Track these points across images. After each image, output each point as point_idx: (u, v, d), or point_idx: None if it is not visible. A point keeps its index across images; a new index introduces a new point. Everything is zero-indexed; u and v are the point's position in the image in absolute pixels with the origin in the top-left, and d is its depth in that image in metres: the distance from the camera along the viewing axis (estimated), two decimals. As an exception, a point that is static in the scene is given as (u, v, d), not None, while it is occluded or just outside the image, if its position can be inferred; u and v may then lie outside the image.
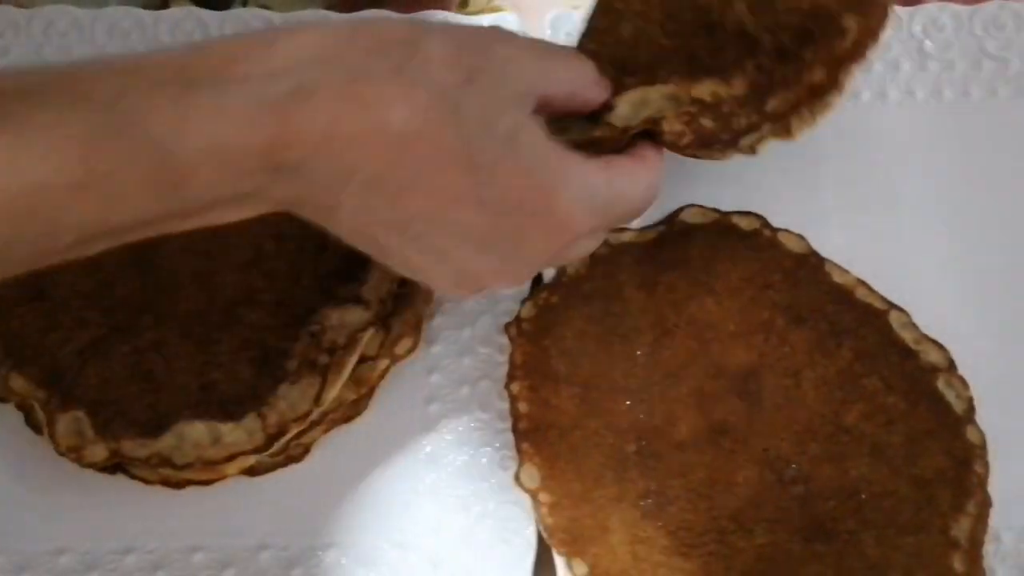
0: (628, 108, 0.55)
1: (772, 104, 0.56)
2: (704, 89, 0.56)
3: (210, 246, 0.60)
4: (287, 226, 0.58)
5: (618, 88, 0.55)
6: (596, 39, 0.58)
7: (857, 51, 0.56)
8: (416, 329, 0.62)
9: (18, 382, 0.57)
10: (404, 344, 0.61)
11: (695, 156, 0.58)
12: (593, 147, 0.53)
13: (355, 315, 0.58)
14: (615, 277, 0.64)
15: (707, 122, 0.55)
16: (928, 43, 0.72)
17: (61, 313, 0.58)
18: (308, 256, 0.59)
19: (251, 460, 0.57)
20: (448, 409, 0.62)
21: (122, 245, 0.57)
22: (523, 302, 0.63)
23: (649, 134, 0.56)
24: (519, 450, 0.59)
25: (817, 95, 0.56)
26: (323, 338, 0.57)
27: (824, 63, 0.55)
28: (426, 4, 0.77)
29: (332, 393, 0.58)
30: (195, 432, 0.56)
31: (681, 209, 0.67)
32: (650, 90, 0.55)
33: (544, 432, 0.59)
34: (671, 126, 0.55)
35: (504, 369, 0.62)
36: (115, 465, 0.58)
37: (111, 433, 0.56)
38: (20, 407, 0.60)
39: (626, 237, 0.66)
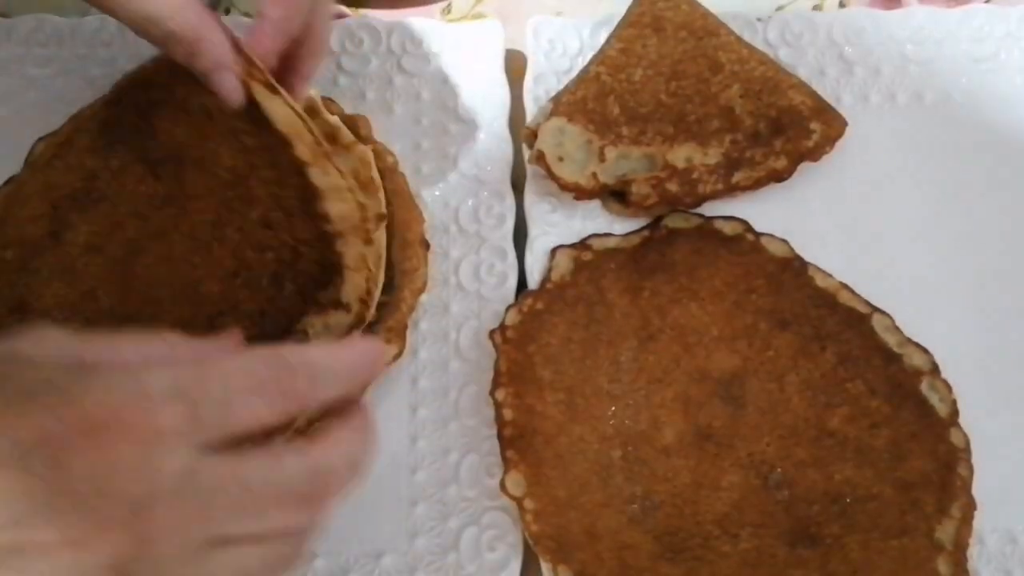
0: (612, 163, 0.66)
1: (737, 177, 0.66)
2: (680, 154, 0.66)
3: (193, 257, 0.59)
4: (264, 235, 0.58)
5: (614, 138, 0.66)
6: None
7: (816, 151, 0.68)
8: (401, 336, 0.62)
9: None
10: (390, 351, 0.61)
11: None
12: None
13: (338, 319, 0.58)
14: (599, 282, 0.64)
15: (673, 187, 0.65)
16: (911, 47, 0.73)
17: (43, 326, 0.58)
18: (286, 264, 0.59)
19: None
20: (434, 415, 0.62)
21: (105, 256, 0.57)
22: (508, 309, 0.63)
23: (619, 193, 0.66)
24: (504, 457, 0.59)
25: (773, 179, 0.67)
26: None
27: (788, 155, 0.67)
28: (411, 11, 0.77)
29: None
30: None
31: (664, 214, 0.67)
32: (633, 148, 0.66)
33: (529, 439, 0.59)
34: (639, 188, 0.65)
35: (490, 375, 0.62)
36: None
37: None
38: None
39: (610, 243, 0.66)
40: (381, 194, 0.62)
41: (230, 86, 0.56)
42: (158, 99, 0.61)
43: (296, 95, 0.59)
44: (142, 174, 0.61)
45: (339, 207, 0.58)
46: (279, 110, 0.57)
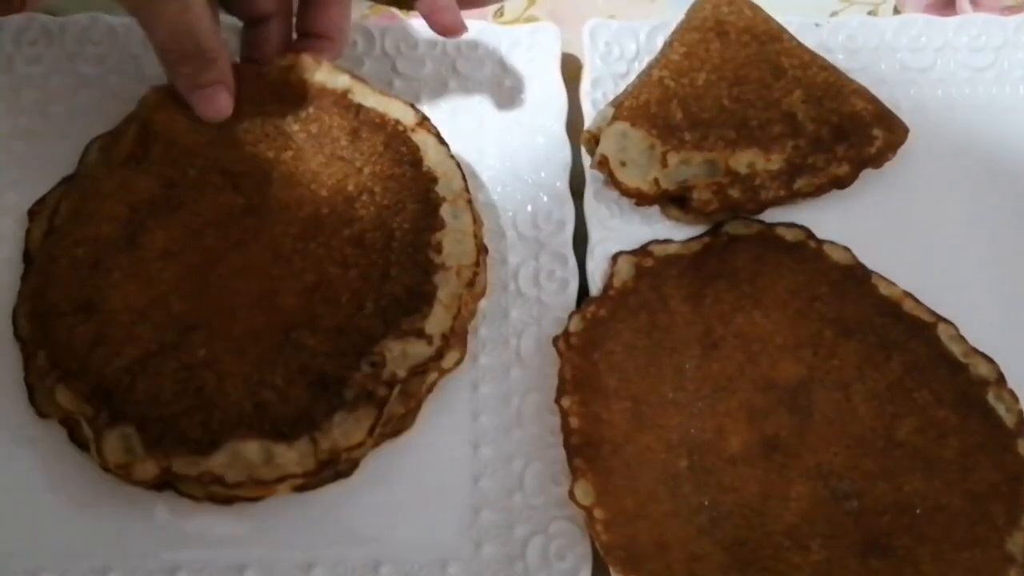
0: (674, 168, 0.65)
1: (799, 184, 0.65)
2: (742, 159, 0.65)
3: (272, 269, 0.58)
4: (351, 253, 0.58)
5: (677, 143, 0.64)
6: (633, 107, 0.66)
7: (878, 158, 0.67)
8: (462, 341, 0.62)
9: (65, 396, 0.56)
10: (452, 356, 0.61)
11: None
12: None
13: (417, 349, 0.57)
14: (661, 289, 0.64)
15: (735, 193, 0.65)
16: (968, 54, 0.72)
17: (111, 327, 0.57)
18: (371, 284, 0.58)
19: (300, 481, 0.56)
20: (496, 423, 0.62)
21: (180, 263, 0.56)
22: (571, 315, 0.62)
23: (679, 199, 0.65)
24: (572, 466, 0.58)
25: (835, 186, 0.66)
26: (383, 370, 0.56)
27: (850, 161, 0.66)
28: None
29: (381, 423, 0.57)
30: (248, 451, 0.55)
31: (725, 220, 0.66)
32: (695, 153, 0.64)
33: (596, 448, 0.58)
34: (701, 194, 0.65)
35: (552, 382, 0.61)
36: (163, 482, 0.57)
37: (161, 450, 0.55)
38: (64, 423, 0.59)
39: (671, 249, 0.65)
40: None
41: (224, 103, 0.61)
42: (242, 111, 0.63)
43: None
44: (221, 185, 0.60)
45: (456, 246, 0.59)
46: (433, 151, 0.62)
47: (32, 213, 0.64)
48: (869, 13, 0.77)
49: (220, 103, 0.61)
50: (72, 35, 0.71)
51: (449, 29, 0.62)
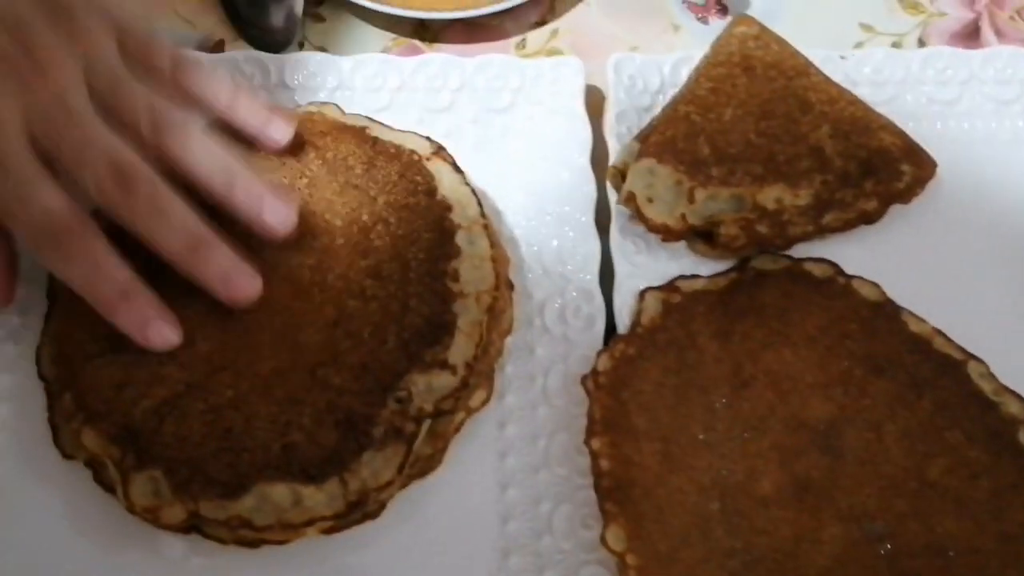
0: (701, 204, 0.64)
1: (827, 219, 0.64)
2: (770, 194, 0.64)
3: (293, 303, 0.58)
4: (369, 285, 0.57)
5: (704, 179, 0.63)
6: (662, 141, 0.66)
7: (907, 193, 0.66)
8: (489, 380, 0.61)
9: (91, 438, 0.56)
10: (478, 396, 0.60)
11: None
12: None
13: (442, 380, 0.57)
14: (689, 326, 0.63)
15: (763, 228, 0.64)
16: (995, 87, 0.72)
17: (138, 368, 0.56)
18: (392, 317, 0.58)
19: (329, 524, 0.55)
20: (524, 463, 0.61)
21: (202, 300, 0.56)
22: (599, 354, 0.62)
23: (705, 233, 0.65)
24: (603, 510, 0.57)
25: (863, 221, 0.65)
26: (410, 406, 0.56)
27: (879, 196, 0.65)
28: (484, 47, 0.76)
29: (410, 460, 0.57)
30: (277, 494, 0.54)
31: (751, 255, 0.65)
32: (722, 189, 0.63)
33: (627, 490, 0.57)
34: (728, 230, 0.64)
35: (580, 422, 0.60)
36: (189, 525, 0.56)
37: (189, 494, 0.54)
38: (89, 464, 0.58)
39: (698, 284, 0.65)
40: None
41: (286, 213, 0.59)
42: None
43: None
44: (233, 219, 0.60)
45: (472, 272, 0.59)
46: (447, 180, 0.62)
47: None
48: (893, 44, 0.77)
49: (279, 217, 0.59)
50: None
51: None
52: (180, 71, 0.59)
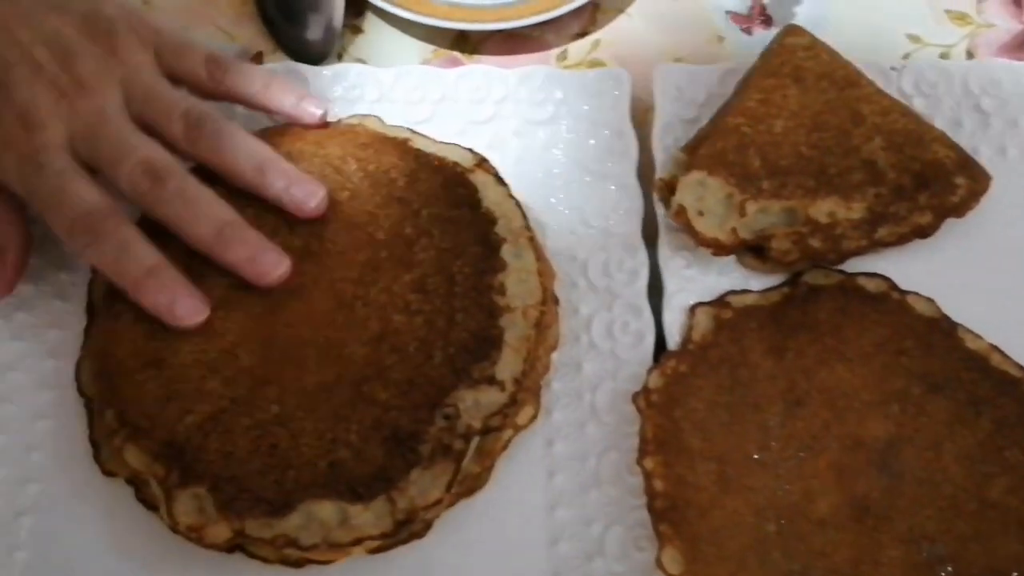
0: (752, 217, 0.62)
1: (881, 233, 0.62)
2: (822, 208, 0.62)
3: (336, 317, 0.57)
4: (414, 299, 0.56)
5: (755, 192, 0.62)
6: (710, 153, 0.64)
7: (962, 207, 0.64)
8: (536, 396, 0.60)
9: (134, 455, 0.54)
10: (526, 412, 0.59)
11: None
12: None
13: (490, 396, 0.55)
14: (741, 343, 0.62)
15: (815, 242, 0.62)
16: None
17: (182, 382, 0.55)
18: (438, 332, 0.57)
19: (376, 543, 0.54)
20: (573, 483, 0.59)
21: (243, 312, 0.55)
22: (650, 371, 0.60)
23: (755, 248, 0.63)
24: (658, 532, 0.56)
25: (917, 235, 0.64)
26: (458, 422, 0.55)
27: (933, 210, 0.63)
28: (525, 58, 0.74)
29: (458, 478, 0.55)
30: (323, 512, 0.53)
31: (803, 270, 0.64)
32: (774, 202, 0.62)
33: (683, 512, 0.56)
34: (779, 244, 0.62)
35: (631, 441, 0.59)
36: (233, 544, 0.55)
37: (235, 512, 0.53)
38: (130, 481, 0.57)
39: (749, 300, 0.63)
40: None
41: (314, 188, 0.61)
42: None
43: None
44: (276, 226, 0.59)
45: (519, 286, 0.57)
46: (492, 192, 0.61)
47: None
48: (941, 55, 0.75)
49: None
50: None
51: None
52: (214, 68, 0.62)
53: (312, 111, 0.64)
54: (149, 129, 0.59)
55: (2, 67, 0.58)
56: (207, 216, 0.57)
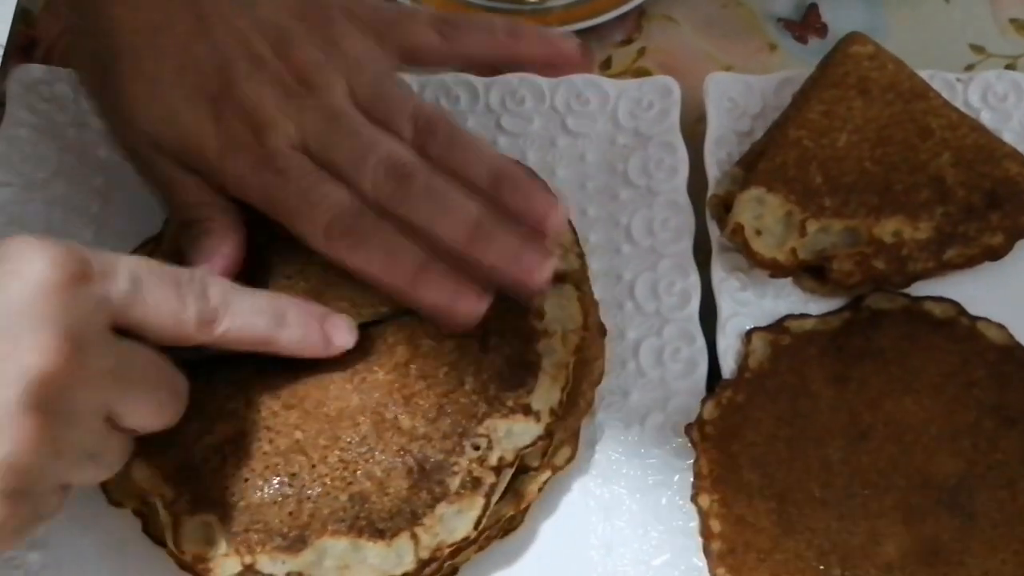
0: (813, 235, 0.59)
1: (949, 254, 0.59)
2: (887, 227, 0.59)
3: (362, 340, 0.53)
4: None
5: (816, 210, 0.59)
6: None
7: None
8: (575, 436, 0.56)
9: (143, 474, 0.51)
10: (563, 453, 0.55)
11: None
12: None
13: (525, 427, 0.52)
14: (801, 371, 0.58)
15: (879, 264, 0.59)
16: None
17: (202, 401, 0.51)
18: (470, 357, 0.53)
19: None
20: (618, 523, 0.55)
21: None
22: (704, 401, 0.56)
23: (814, 269, 0.60)
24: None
25: (988, 257, 0.60)
26: (489, 454, 0.51)
27: (1005, 230, 0.60)
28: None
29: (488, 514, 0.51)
30: (339, 549, 0.49)
31: (865, 293, 0.60)
32: (836, 221, 0.59)
33: (742, 555, 0.52)
34: (841, 265, 0.59)
35: (683, 476, 0.55)
36: None
37: (246, 545, 0.49)
38: (138, 513, 0.53)
39: (808, 325, 0.59)
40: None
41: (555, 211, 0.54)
42: None
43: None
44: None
45: (559, 310, 0.54)
46: None
47: None
48: (1006, 67, 0.71)
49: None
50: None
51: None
52: (446, 30, 0.57)
53: (573, 50, 0.58)
54: (376, 124, 0.54)
55: (222, 62, 0.53)
56: (459, 214, 0.51)
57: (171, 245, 0.57)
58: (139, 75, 0.54)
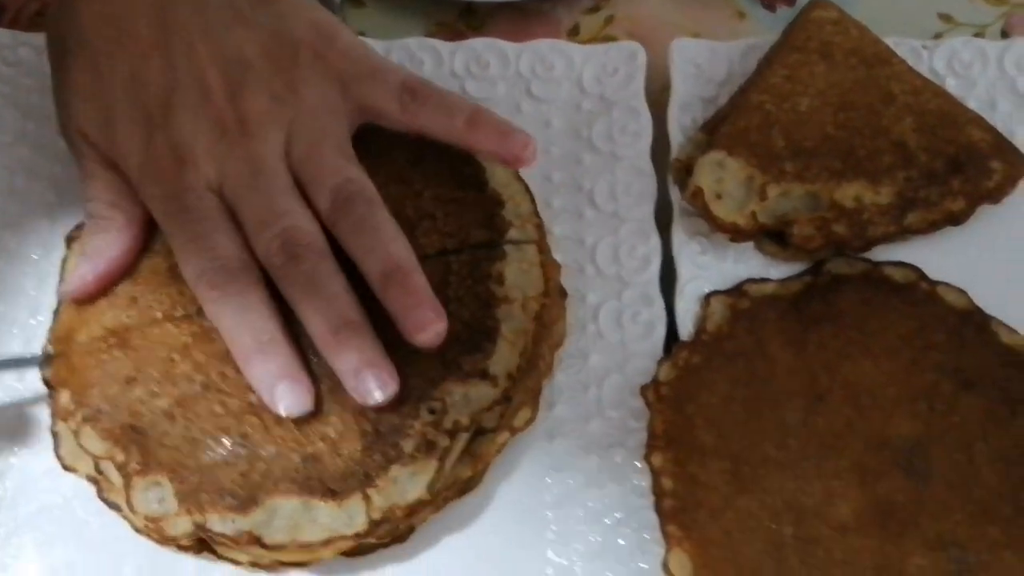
0: (773, 201, 0.59)
1: (910, 219, 0.59)
2: (849, 192, 0.59)
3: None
4: None
5: (777, 174, 0.59)
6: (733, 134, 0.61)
7: (997, 192, 0.61)
8: (535, 398, 0.56)
9: (91, 439, 0.51)
10: (523, 415, 0.55)
11: None
12: None
13: (481, 392, 0.51)
14: (759, 334, 0.58)
15: (840, 229, 0.59)
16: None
17: (147, 365, 0.52)
18: None
19: (349, 544, 0.50)
20: (575, 482, 0.55)
21: None
22: (660, 362, 0.56)
23: (775, 233, 0.60)
24: (665, 533, 0.52)
25: (949, 222, 0.60)
26: (444, 417, 0.51)
27: (966, 195, 0.60)
28: (534, 33, 0.70)
29: (443, 476, 0.51)
30: (290, 508, 0.49)
31: (826, 258, 0.60)
32: (797, 185, 0.59)
33: (693, 513, 0.52)
34: (802, 230, 0.59)
35: (638, 437, 0.55)
36: (201, 543, 0.51)
37: (197, 504, 0.49)
38: (92, 479, 0.53)
39: (768, 289, 0.59)
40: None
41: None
42: None
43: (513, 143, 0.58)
44: None
45: (520, 276, 0.54)
46: (500, 172, 0.57)
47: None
48: (975, 35, 0.71)
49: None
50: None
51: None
52: (408, 100, 0.57)
53: (521, 149, 0.58)
54: (300, 185, 0.54)
55: (170, 85, 0.54)
56: (329, 312, 0.51)
57: None
58: (89, 69, 0.55)
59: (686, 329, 0.58)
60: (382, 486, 0.50)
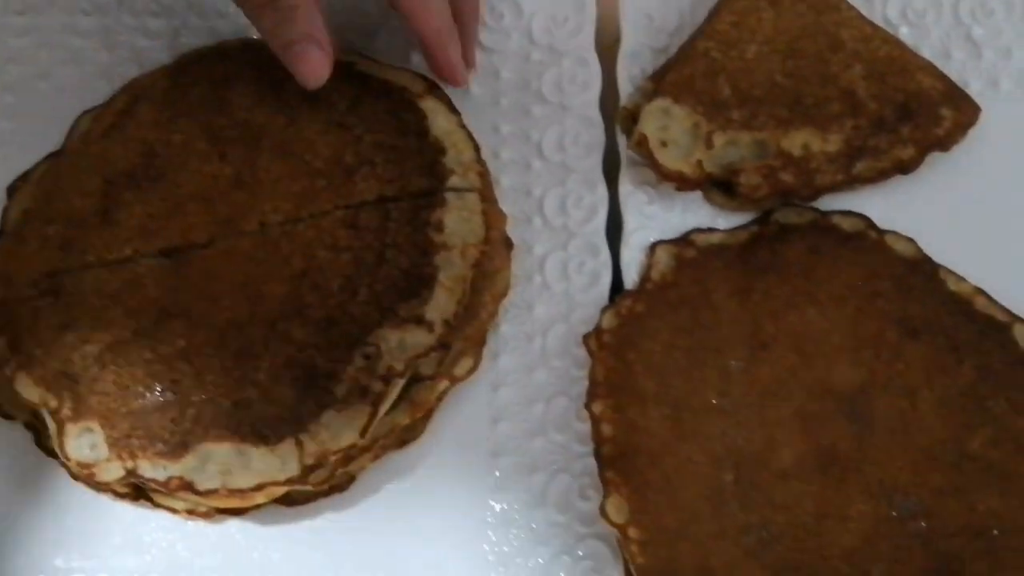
0: (720, 149, 0.58)
1: (859, 168, 0.58)
2: (796, 140, 0.58)
3: (258, 252, 0.53)
4: (343, 236, 0.52)
5: (724, 121, 0.58)
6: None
7: (947, 140, 0.60)
8: (479, 346, 0.55)
9: (26, 385, 0.51)
10: (464, 364, 0.55)
11: None
12: None
13: (416, 337, 0.51)
14: (704, 283, 0.57)
15: (787, 177, 0.58)
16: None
17: (80, 311, 0.51)
18: (365, 269, 0.53)
19: (282, 490, 0.50)
20: (518, 430, 0.55)
21: (160, 241, 0.51)
22: (603, 310, 0.56)
23: (724, 183, 0.59)
24: (603, 479, 0.52)
25: (898, 171, 0.59)
26: (378, 363, 0.50)
27: (916, 143, 0.59)
28: None
29: (375, 423, 0.51)
30: (221, 454, 0.49)
31: (774, 207, 0.59)
32: (744, 133, 0.58)
33: (632, 459, 0.52)
34: (749, 179, 0.58)
35: (582, 385, 0.55)
36: (137, 491, 0.51)
37: (128, 450, 0.49)
38: (30, 426, 0.53)
39: (715, 239, 0.59)
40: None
41: (317, 61, 0.53)
42: (236, 74, 0.58)
43: (468, 59, 0.61)
44: (207, 152, 0.55)
45: (460, 224, 0.53)
46: (442, 120, 0.56)
47: (12, 190, 0.58)
48: (932, -15, 0.70)
49: (310, 62, 0.54)
50: (63, 5, 0.65)
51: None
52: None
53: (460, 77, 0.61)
54: None
55: None
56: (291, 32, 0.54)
57: (40, 185, 0.57)
58: None
59: (631, 279, 0.58)
60: (314, 431, 0.50)
